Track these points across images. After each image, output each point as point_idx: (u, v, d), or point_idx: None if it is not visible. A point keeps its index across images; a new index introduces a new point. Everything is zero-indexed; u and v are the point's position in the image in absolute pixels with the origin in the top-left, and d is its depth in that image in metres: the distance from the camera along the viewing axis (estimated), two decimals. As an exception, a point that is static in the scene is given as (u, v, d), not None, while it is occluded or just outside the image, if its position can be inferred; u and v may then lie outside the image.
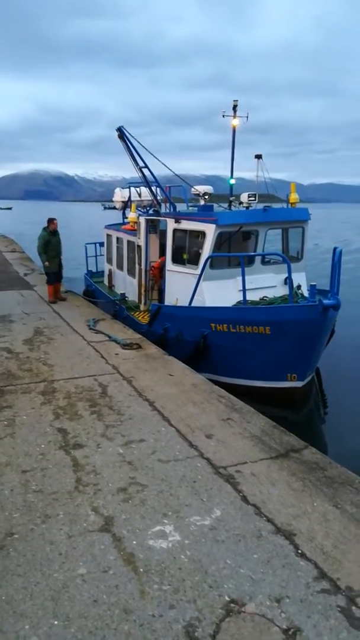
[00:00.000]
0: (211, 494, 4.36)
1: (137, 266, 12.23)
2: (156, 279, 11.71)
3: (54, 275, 12.51)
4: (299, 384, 8.71)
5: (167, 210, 11.38)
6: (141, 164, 11.83)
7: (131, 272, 12.97)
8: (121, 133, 11.89)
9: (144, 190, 13.93)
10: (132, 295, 12.68)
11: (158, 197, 12.30)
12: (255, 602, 3.18)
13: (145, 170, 11.93)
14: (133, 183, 14.46)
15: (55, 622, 3.01)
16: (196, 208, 11.18)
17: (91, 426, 5.66)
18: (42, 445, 5.21)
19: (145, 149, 11.69)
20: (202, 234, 9.60)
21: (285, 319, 8.03)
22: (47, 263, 12.09)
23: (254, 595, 3.24)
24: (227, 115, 11.17)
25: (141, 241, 11.88)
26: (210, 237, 9.38)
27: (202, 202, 11.00)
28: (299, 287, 9.79)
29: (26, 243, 29.69)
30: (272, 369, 8.62)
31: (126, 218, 14.31)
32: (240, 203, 10.84)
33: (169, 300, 10.60)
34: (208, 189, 11.55)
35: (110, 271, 15.17)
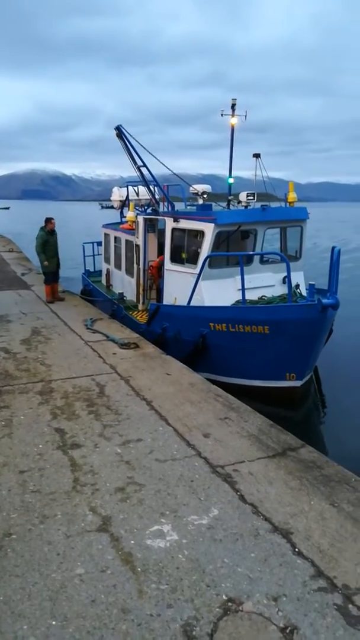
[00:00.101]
0: (209, 493, 4.37)
1: (135, 265, 12.22)
2: (154, 279, 11.70)
3: (52, 275, 12.50)
4: (298, 383, 8.72)
5: (166, 210, 11.37)
6: (139, 163, 11.83)
7: (129, 271, 12.96)
8: (119, 132, 11.88)
9: (142, 189, 13.92)
10: (130, 295, 12.67)
11: (156, 196, 12.29)
12: (253, 601, 3.19)
13: (143, 170, 11.92)
14: (131, 182, 14.45)
15: (53, 622, 3.02)
16: (194, 207, 11.17)
17: (89, 426, 5.67)
18: (40, 445, 5.21)
19: (144, 147, 11.69)
20: (201, 233, 9.60)
21: (284, 318, 8.04)
22: (46, 263, 12.08)
23: (251, 594, 3.25)
24: (225, 114, 11.16)
25: (139, 240, 11.87)
26: (209, 237, 9.38)
27: (200, 201, 11.00)
28: (297, 286, 9.80)
29: (24, 243, 29.65)
30: (270, 368, 8.63)
31: (124, 217, 14.29)
32: (239, 202, 10.84)
33: (168, 299, 10.60)
34: (206, 187, 11.55)
35: (108, 270, 15.16)
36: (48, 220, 12.19)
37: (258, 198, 10.65)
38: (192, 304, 9.46)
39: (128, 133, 11.72)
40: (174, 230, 10.32)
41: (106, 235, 15.38)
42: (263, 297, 9.51)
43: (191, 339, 9.12)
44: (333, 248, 8.75)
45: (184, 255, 10.19)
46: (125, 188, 14.75)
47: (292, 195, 10.62)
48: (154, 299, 11.76)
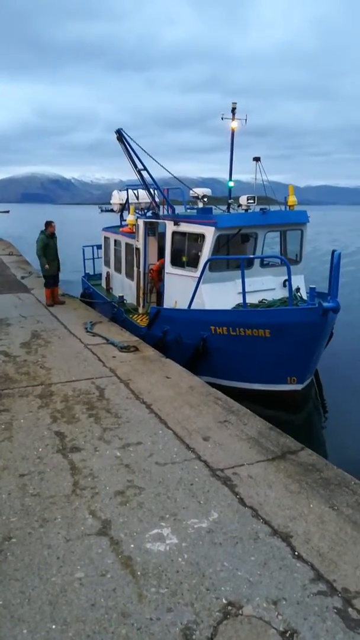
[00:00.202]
0: (208, 496, 4.37)
1: (135, 269, 12.24)
2: (155, 282, 11.72)
3: (52, 279, 12.50)
4: (299, 386, 8.70)
5: (166, 213, 11.39)
6: (140, 166, 11.85)
7: (129, 274, 12.97)
8: (120, 135, 11.91)
9: (142, 192, 13.94)
10: (130, 298, 12.68)
11: (156, 200, 12.32)
12: (253, 605, 3.19)
13: (144, 173, 11.95)
14: (131, 185, 14.48)
15: (53, 627, 3.02)
16: (194, 210, 11.20)
17: (88, 429, 5.67)
18: (40, 449, 5.21)
19: (144, 151, 11.72)
20: (202, 237, 9.62)
21: (285, 321, 8.03)
22: (47, 266, 12.08)
23: (251, 598, 3.25)
24: (226, 118, 11.19)
25: (140, 244, 11.89)
26: (210, 240, 9.40)
27: (200, 205, 11.04)
28: (297, 289, 9.81)
29: (23, 246, 29.69)
30: (271, 371, 8.62)
31: (124, 220, 14.31)
32: (239, 206, 10.86)
33: (168, 303, 10.61)
34: (206, 191, 11.59)
35: (108, 274, 15.17)
36: (48, 224, 12.21)
37: (257, 201, 10.67)
38: (192, 307, 9.47)
39: (128, 136, 11.76)
40: (174, 233, 10.34)
41: (106, 238, 15.40)
42: (263, 301, 9.52)
43: (192, 343, 9.13)
44: (333, 252, 8.77)
45: (184, 259, 10.20)
46: (125, 191, 14.78)
47: (292, 199, 10.64)
48: (154, 302, 11.77)
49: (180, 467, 4.85)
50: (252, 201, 10.52)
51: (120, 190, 15.61)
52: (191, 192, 11.57)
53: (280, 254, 10.57)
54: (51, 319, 11.19)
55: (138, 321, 11.30)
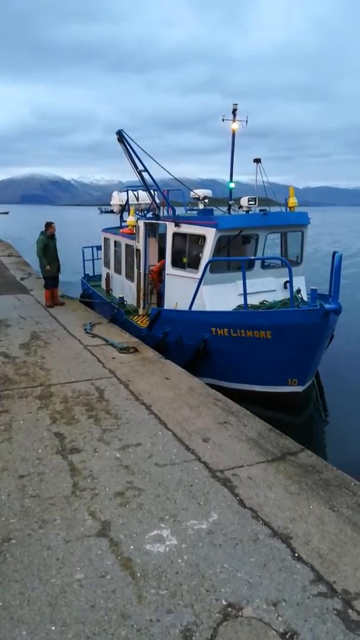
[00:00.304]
0: (208, 497, 4.36)
1: (136, 270, 12.23)
2: (155, 283, 11.71)
3: (52, 280, 12.50)
4: (300, 388, 8.68)
5: (167, 214, 11.40)
6: (140, 167, 11.86)
7: (129, 276, 12.97)
8: (121, 136, 11.92)
9: (142, 193, 13.95)
10: (131, 299, 12.67)
11: (157, 201, 12.32)
12: (252, 606, 3.19)
13: (144, 174, 11.96)
14: (131, 187, 14.49)
15: (53, 628, 3.01)
16: (195, 212, 11.20)
17: (88, 430, 5.67)
18: (39, 450, 5.21)
19: (145, 152, 11.73)
20: (203, 238, 9.61)
21: (287, 323, 8.01)
22: (48, 267, 12.08)
23: (251, 599, 3.24)
24: (226, 119, 11.19)
25: (140, 245, 11.89)
26: (211, 241, 9.40)
27: (200, 206, 11.04)
28: (298, 291, 9.80)
29: (23, 247, 29.71)
30: (272, 373, 8.60)
31: (124, 221, 14.30)
32: (240, 207, 10.87)
33: (169, 304, 10.61)
34: (207, 192, 11.60)
35: (107, 275, 15.17)
36: (48, 225, 12.20)
37: (257, 203, 10.67)
38: (193, 308, 9.47)
39: (129, 137, 11.76)
40: (175, 234, 10.34)
41: (106, 239, 15.41)
42: (264, 302, 9.52)
43: (193, 344, 9.12)
44: (334, 253, 8.76)
45: (185, 260, 10.20)
46: (125, 192, 14.79)
47: (292, 200, 10.64)
48: (154, 303, 11.77)
49: (179, 469, 4.84)
50: (253, 202, 10.53)
51: (120, 192, 15.61)
52: (192, 193, 11.58)
53: (281, 255, 10.57)
54: (50, 320, 11.18)
55: (138, 322, 11.29)
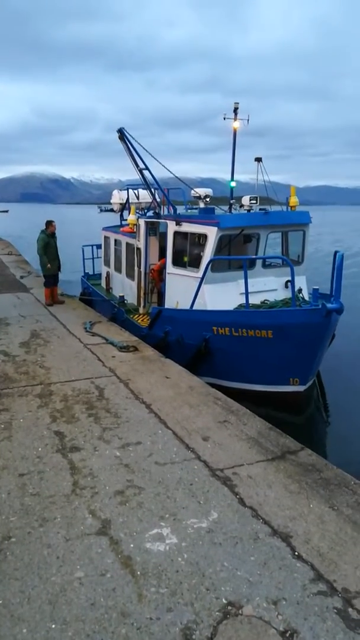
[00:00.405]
0: (208, 496, 4.37)
1: (136, 269, 12.22)
2: (156, 282, 11.70)
3: (53, 278, 12.49)
4: (301, 388, 8.66)
5: (167, 213, 11.38)
6: (142, 165, 11.84)
7: (130, 274, 12.95)
8: (122, 134, 11.89)
9: (142, 192, 13.92)
10: (131, 298, 12.66)
11: (157, 199, 12.31)
12: (253, 605, 3.19)
13: (145, 172, 11.94)
14: (131, 185, 14.47)
15: (53, 626, 3.02)
16: (195, 210, 11.19)
17: (88, 429, 5.67)
18: (39, 449, 5.21)
19: (146, 150, 11.72)
20: (204, 237, 9.59)
21: (288, 322, 7.98)
22: (49, 265, 12.07)
23: (251, 598, 3.25)
24: (228, 118, 11.17)
25: (141, 243, 11.87)
26: (212, 240, 9.37)
27: (201, 205, 11.01)
28: (299, 290, 9.78)
29: (23, 246, 29.68)
30: (274, 373, 8.58)
31: (124, 220, 14.28)
32: (241, 206, 10.85)
33: (169, 303, 10.59)
34: (208, 191, 11.58)
35: (107, 274, 15.16)
36: (49, 223, 12.20)
37: (258, 202, 10.66)
38: (194, 307, 9.45)
39: (130, 136, 11.74)
40: (176, 233, 10.32)
41: (106, 238, 15.39)
42: (265, 302, 9.51)
43: (194, 343, 9.10)
44: (336, 253, 8.73)
45: (186, 259, 10.19)
46: (125, 191, 14.77)
47: (294, 200, 10.62)
48: (154, 302, 11.75)
49: (179, 467, 4.84)
50: (254, 201, 10.51)
51: (120, 190, 15.60)
52: (193, 192, 11.56)
53: (281, 254, 10.56)
54: (50, 318, 11.18)
55: (139, 321, 11.28)
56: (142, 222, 11.76)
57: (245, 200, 10.63)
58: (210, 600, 3.22)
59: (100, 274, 16.29)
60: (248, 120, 11.25)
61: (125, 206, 14.84)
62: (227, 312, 8.91)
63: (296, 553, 3.67)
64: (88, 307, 13.00)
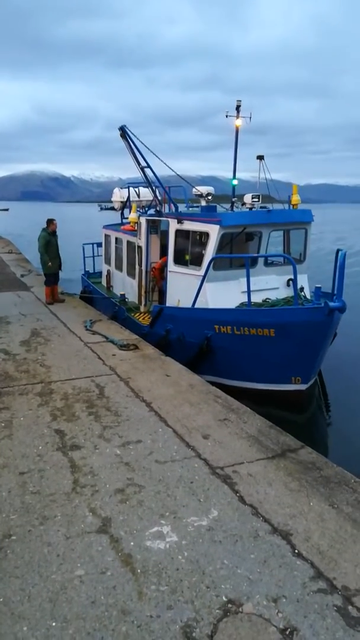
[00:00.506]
0: (208, 494, 4.37)
1: (137, 267, 12.20)
2: (157, 280, 11.68)
3: (53, 276, 12.49)
4: (303, 386, 8.64)
5: (169, 211, 11.36)
6: (143, 163, 11.81)
7: (131, 273, 12.93)
8: (124, 132, 11.86)
9: (143, 190, 13.89)
10: (132, 297, 12.65)
11: (159, 197, 12.29)
12: (253, 602, 3.20)
13: (147, 170, 11.91)
14: (132, 183, 14.43)
15: (53, 624, 3.02)
16: (196, 208, 11.15)
17: (88, 427, 5.67)
18: (40, 447, 5.21)
19: (148, 148, 11.68)
20: (206, 235, 9.57)
21: (291, 321, 7.96)
22: (50, 264, 12.07)
23: (251, 596, 3.25)
24: (230, 116, 11.13)
25: (142, 242, 11.85)
26: (214, 238, 9.35)
27: (203, 203, 10.98)
28: (301, 289, 9.76)
29: (23, 244, 29.68)
30: (276, 371, 8.56)
31: (125, 218, 14.26)
32: (243, 204, 10.82)
33: (171, 301, 10.57)
34: (209, 189, 11.54)
35: (108, 272, 15.15)
36: (50, 221, 12.18)
37: (260, 200, 10.63)
38: (196, 306, 9.44)
39: (132, 133, 11.71)
40: (177, 231, 10.29)
41: (107, 236, 15.37)
42: (267, 300, 9.49)
43: (195, 342, 9.09)
44: (338, 251, 8.72)
45: (187, 257, 10.17)
46: (126, 189, 14.74)
47: (295, 198, 10.59)
48: (155, 300, 11.74)
49: (180, 465, 4.85)
50: (257, 200, 10.48)
51: (121, 188, 15.57)
52: (194, 190, 11.53)
53: (283, 253, 10.54)
54: (51, 317, 11.18)
55: (140, 320, 11.27)
56: (143, 220, 11.73)
57: (248, 198, 10.60)
58: (211, 598, 3.22)
59: (100, 272, 16.28)
60: (250, 118, 11.21)
61: (126, 204, 14.82)
62: (229, 311, 8.90)
63: (296, 551, 3.68)
64: (88, 305, 13.00)
